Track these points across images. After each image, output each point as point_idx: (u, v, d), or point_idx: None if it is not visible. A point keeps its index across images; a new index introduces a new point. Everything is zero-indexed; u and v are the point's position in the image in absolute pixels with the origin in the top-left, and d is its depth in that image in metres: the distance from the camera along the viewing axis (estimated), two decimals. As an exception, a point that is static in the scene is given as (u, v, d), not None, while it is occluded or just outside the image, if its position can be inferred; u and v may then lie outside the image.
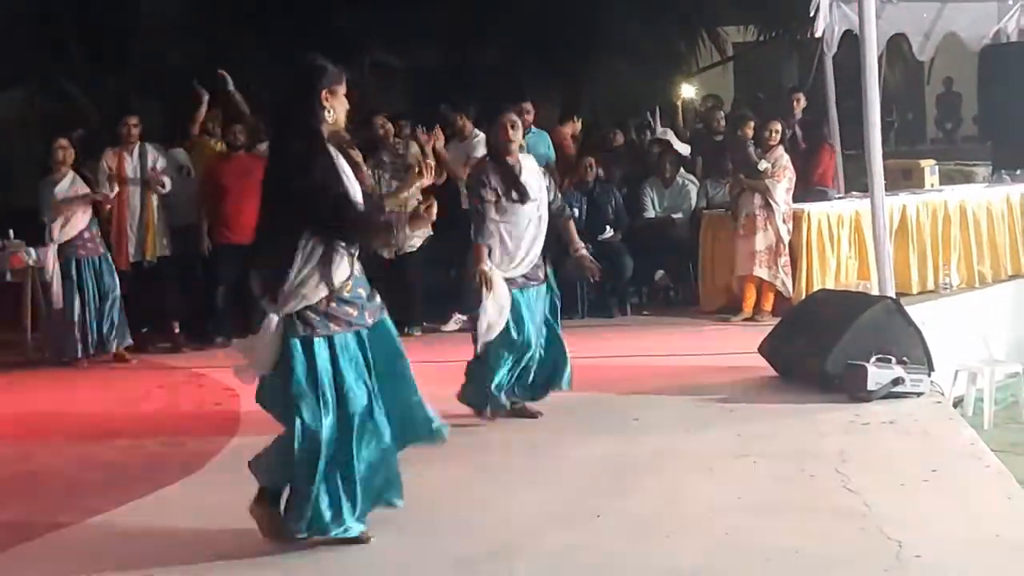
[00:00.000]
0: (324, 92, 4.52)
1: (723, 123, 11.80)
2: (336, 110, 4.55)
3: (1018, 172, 11.71)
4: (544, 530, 4.80)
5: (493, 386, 6.48)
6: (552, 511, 5.05)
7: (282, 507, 4.64)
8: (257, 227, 4.60)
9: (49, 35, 13.74)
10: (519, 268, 6.46)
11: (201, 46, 12.75)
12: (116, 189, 9.28)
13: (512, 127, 6.53)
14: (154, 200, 9.50)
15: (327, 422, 4.47)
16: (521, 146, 6.80)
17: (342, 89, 4.57)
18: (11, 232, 9.70)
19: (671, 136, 13.08)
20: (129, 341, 9.42)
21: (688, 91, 17.97)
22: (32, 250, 9.51)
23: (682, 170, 11.17)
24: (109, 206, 9.30)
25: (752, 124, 10.11)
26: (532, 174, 6.54)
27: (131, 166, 9.49)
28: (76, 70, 13.86)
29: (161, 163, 9.56)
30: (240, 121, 9.78)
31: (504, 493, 5.37)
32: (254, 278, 4.56)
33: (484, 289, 6.29)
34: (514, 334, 6.39)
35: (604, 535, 4.70)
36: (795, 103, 11.55)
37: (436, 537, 4.73)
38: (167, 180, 9.49)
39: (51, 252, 9.10)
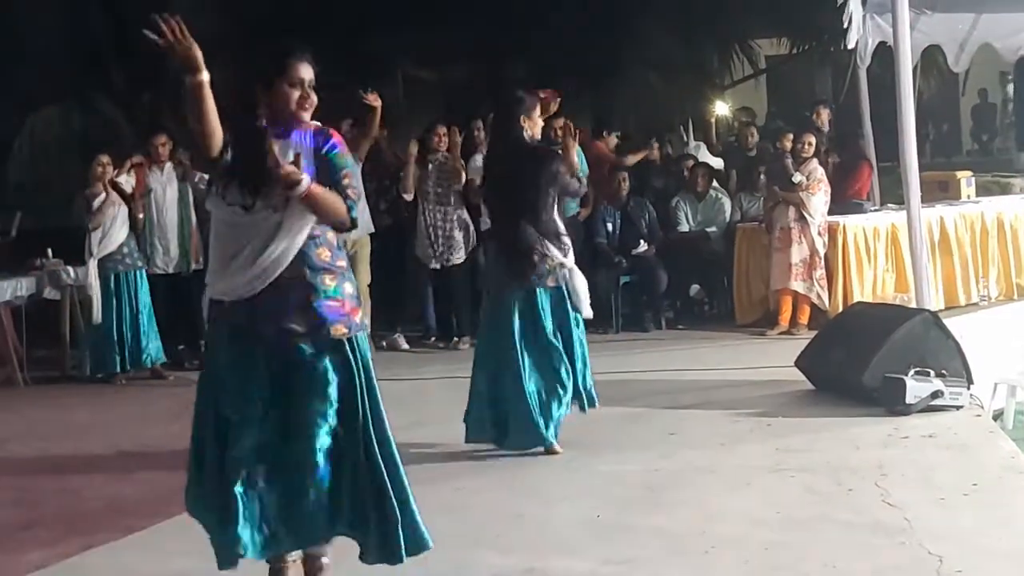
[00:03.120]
0: (522, 116, 6.11)
1: (755, 138, 11.77)
2: (531, 128, 6.16)
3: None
4: (580, 545, 4.79)
5: None
6: (588, 526, 5.03)
7: None
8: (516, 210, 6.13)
9: (85, 53, 13.87)
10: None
11: (236, 64, 12.83)
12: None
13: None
14: (192, 214, 9.59)
15: None
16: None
17: (536, 112, 6.15)
18: (49, 251, 9.80)
19: (703, 150, 13.07)
20: (163, 357, 9.47)
21: (721, 105, 17.92)
22: (71, 268, 9.61)
23: (715, 183, 11.16)
24: (140, 215, 9.40)
25: (791, 137, 10.09)
26: None
27: (159, 183, 9.60)
28: (112, 88, 13.98)
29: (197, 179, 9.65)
30: None
31: (540, 507, 5.36)
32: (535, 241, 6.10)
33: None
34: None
35: (640, 550, 4.68)
36: (816, 115, 11.50)
37: (472, 551, 4.72)
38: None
39: (92, 266, 9.19)
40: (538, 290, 6.16)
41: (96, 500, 5.99)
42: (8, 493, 6.23)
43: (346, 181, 3.98)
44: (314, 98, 3.99)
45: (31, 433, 7.76)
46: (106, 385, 9.23)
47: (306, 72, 3.99)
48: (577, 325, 6.30)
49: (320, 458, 3.91)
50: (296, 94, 3.95)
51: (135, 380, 9.34)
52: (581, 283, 6.28)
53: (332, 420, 3.93)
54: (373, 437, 3.97)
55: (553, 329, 6.20)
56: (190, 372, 9.61)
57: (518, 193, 6.14)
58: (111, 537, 5.27)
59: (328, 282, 3.97)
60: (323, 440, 3.91)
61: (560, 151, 6.38)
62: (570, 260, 6.28)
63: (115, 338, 9.20)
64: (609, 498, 5.44)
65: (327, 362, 3.93)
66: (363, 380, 3.99)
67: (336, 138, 4.05)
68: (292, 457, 3.92)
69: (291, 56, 3.99)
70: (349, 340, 3.98)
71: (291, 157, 3.85)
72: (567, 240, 6.30)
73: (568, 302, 6.24)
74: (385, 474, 3.95)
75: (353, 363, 3.97)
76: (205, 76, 3.70)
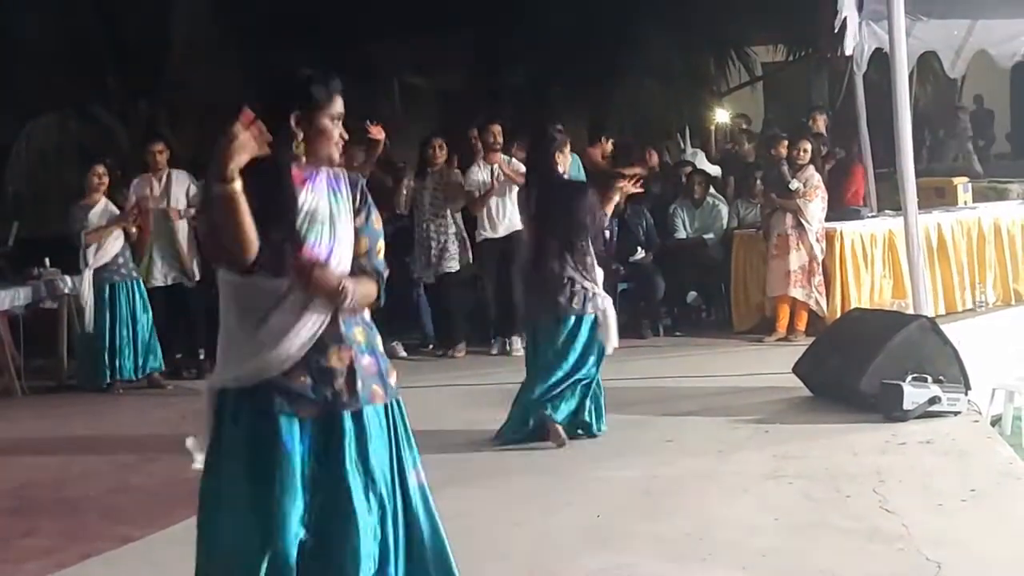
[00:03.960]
0: (556, 153, 6.57)
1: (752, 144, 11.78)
2: (563, 163, 6.64)
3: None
4: (579, 552, 4.78)
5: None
6: (587, 533, 5.03)
7: None
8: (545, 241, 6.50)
9: (82, 61, 13.88)
10: None
11: (232, 73, 12.84)
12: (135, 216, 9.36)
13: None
14: (183, 226, 9.57)
15: None
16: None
17: (567, 148, 6.69)
18: (46, 260, 9.80)
19: (700, 157, 13.08)
20: (162, 366, 9.47)
21: (719, 112, 17.95)
22: (67, 278, 9.60)
23: (712, 190, 11.16)
24: (134, 230, 9.38)
25: (786, 143, 10.10)
26: None
27: (158, 192, 9.59)
28: (109, 96, 13.99)
29: (193, 189, 9.64)
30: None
31: (539, 515, 5.36)
32: (567, 267, 6.41)
33: None
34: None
35: (639, 557, 4.68)
36: (813, 121, 11.50)
37: (471, 560, 4.70)
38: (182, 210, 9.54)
39: (86, 277, 9.19)
40: (571, 318, 6.43)
41: (93, 510, 5.98)
42: (6, 503, 6.22)
43: (380, 254, 3.38)
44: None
45: (28, 443, 7.75)
46: (103, 395, 9.21)
47: (341, 106, 3.34)
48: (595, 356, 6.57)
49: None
50: (337, 132, 3.30)
51: (133, 390, 9.32)
52: (613, 316, 6.55)
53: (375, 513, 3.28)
54: (420, 519, 3.44)
55: (583, 354, 6.47)
56: (187, 381, 9.61)
57: (557, 227, 6.47)
58: (108, 547, 5.27)
59: (360, 336, 3.30)
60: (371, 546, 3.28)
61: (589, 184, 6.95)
62: (600, 290, 6.58)
63: (107, 349, 9.20)
64: (607, 505, 5.44)
65: (367, 434, 3.26)
66: (404, 450, 3.36)
67: (370, 200, 3.38)
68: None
69: (334, 86, 3.31)
70: (387, 407, 3.33)
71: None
72: (598, 272, 6.58)
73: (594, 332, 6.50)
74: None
75: (392, 433, 3.34)
76: (238, 185, 3.04)
